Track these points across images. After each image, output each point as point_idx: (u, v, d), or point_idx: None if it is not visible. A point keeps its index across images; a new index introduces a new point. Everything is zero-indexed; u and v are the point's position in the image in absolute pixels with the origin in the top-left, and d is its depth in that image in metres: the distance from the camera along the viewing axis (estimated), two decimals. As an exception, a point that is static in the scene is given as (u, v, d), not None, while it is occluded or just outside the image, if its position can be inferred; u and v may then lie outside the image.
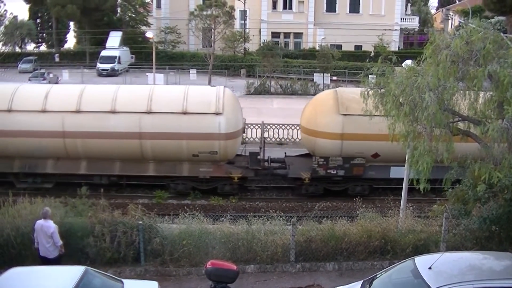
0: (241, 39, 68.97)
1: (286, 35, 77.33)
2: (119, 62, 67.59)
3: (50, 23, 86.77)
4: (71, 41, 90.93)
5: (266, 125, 34.20)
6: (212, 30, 59.72)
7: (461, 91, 13.09)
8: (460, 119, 14.04)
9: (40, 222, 13.79)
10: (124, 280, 12.40)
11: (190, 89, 25.49)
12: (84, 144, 24.17)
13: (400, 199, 18.18)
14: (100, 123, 23.87)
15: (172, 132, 23.73)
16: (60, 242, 13.84)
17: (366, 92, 15.00)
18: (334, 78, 60.81)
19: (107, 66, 66.35)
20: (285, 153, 27.82)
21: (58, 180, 25.09)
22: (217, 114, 23.77)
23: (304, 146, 26.94)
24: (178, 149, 24.01)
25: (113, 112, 23.87)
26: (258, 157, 26.44)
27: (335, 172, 24.45)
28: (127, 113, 23.91)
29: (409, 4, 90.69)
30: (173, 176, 25.05)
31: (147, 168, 24.87)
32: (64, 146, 24.19)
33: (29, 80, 57.09)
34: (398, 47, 77.25)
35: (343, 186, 25.14)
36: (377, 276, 11.92)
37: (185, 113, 23.78)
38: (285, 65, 63.31)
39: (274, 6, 76.27)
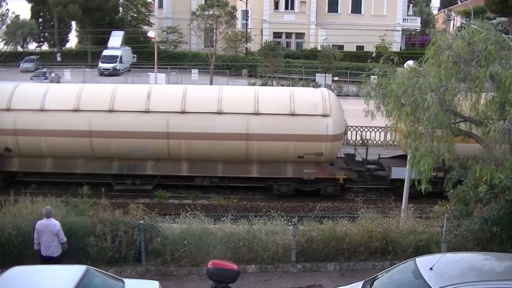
0: (243, 39, 68.97)
1: (288, 35, 77.30)
2: (120, 62, 67.63)
3: (52, 23, 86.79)
4: (73, 41, 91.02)
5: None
6: (214, 30, 59.71)
7: (463, 92, 13.09)
8: (461, 120, 14.04)
9: (43, 222, 13.76)
10: (125, 280, 12.39)
11: (295, 90, 25.56)
12: (188, 145, 24.03)
13: (401, 199, 18.18)
14: (205, 124, 23.76)
15: (279, 134, 23.61)
16: (65, 239, 13.90)
17: (367, 93, 15.00)
18: (336, 78, 60.83)
19: (109, 65, 66.38)
20: (379, 154, 27.85)
21: (158, 182, 25.09)
22: (324, 115, 23.68)
23: (402, 147, 26.77)
24: (284, 151, 23.89)
25: (220, 113, 23.77)
26: (356, 158, 26.41)
27: (434, 173, 24.36)
28: (234, 114, 23.82)
29: (411, 5, 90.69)
30: (276, 178, 24.98)
31: (251, 170, 24.77)
32: (168, 147, 24.05)
33: (31, 79, 57.12)
34: (400, 48, 77.20)
35: (442, 188, 25.10)
36: (378, 276, 11.91)
37: (292, 114, 23.67)
38: (286, 65, 63.29)
39: (276, 6, 76.22)
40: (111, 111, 23.95)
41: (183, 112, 23.83)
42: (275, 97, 24.76)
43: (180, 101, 24.06)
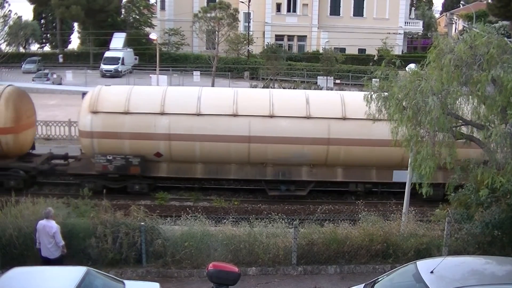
0: (245, 42, 69.07)
1: (290, 38, 77.29)
2: (122, 63, 67.70)
3: (54, 24, 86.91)
4: (75, 42, 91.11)
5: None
6: (216, 32, 59.80)
7: (465, 96, 13.08)
8: (463, 123, 14.03)
9: (42, 222, 13.80)
10: (125, 281, 12.40)
11: None
12: (347, 151, 23.95)
13: (403, 202, 18.18)
14: (364, 130, 23.53)
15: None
16: (62, 242, 13.84)
17: (369, 96, 15.01)
18: (338, 81, 60.86)
19: (111, 67, 66.44)
20: None
21: (312, 188, 24.96)
22: None
23: None
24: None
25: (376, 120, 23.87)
26: None
27: None
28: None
29: (413, 8, 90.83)
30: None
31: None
32: (327, 153, 23.92)
33: (33, 80, 57.21)
34: (402, 51, 77.27)
35: None
36: (379, 279, 11.91)
37: None
38: (288, 68, 63.31)
39: (278, 8, 76.25)
40: (271, 116, 23.83)
41: (344, 119, 23.81)
42: None
43: (340, 107, 24.03)
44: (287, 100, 24.86)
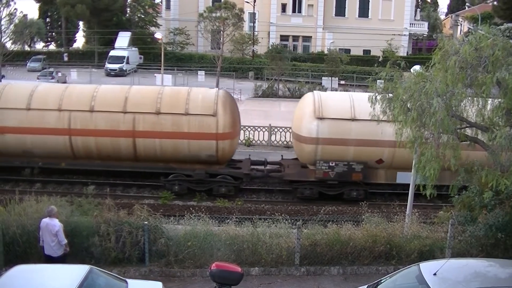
0: (250, 42, 69.08)
1: (295, 38, 77.32)
2: (127, 63, 67.83)
3: (59, 23, 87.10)
4: (80, 41, 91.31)
5: (274, 128, 34.13)
6: (221, 32, 59.80)
7: (469, 98, 13.06)
8: (467, 125, 14.01)
9: (45, 220, 13.82)
10: (128, 280, 12.40)
11: None
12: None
13: (406, 204, 18.15)
14: None
15: None
16: (65, 241, 13.85)
17: (374, 97, 14.99)
18: (342, 82, 60.83)
19: (116, 66, 66.62)
20: None
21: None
22: None
23: None
24: None
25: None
26: None
27: None
28: None
29: (418, 10, 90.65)
30: None
31: None
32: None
33: (38, 79, 57.25)
34: (407, 52, 77.18)
35: None
36: (382, 281, 11.89)
37: None
38: (293, 68, 63.31)
39: (284, 9, 76.27)
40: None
41: None
42: None
43: None
44: None
